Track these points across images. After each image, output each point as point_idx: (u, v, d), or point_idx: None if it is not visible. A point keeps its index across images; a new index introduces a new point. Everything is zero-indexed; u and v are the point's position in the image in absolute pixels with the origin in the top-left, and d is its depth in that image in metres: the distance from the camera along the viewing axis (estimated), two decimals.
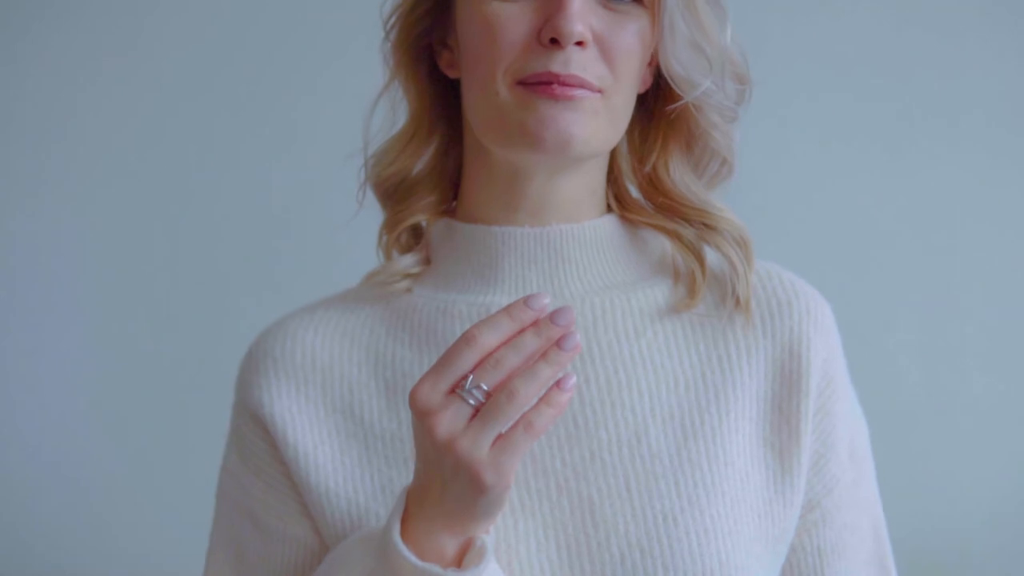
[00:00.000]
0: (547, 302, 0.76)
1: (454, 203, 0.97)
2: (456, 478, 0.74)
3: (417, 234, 0.99)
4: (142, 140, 1.61)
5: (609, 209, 0.96)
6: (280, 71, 1.58)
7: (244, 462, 0.93)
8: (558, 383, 0.74)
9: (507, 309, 0.75)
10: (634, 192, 0.97)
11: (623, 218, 0.96)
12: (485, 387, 0.73)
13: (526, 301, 0.75)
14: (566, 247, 0.91)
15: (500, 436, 0.73)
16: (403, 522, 0.78)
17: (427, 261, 0.97)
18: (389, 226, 0.97)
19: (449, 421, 0.73)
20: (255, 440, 0.92)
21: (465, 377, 0.74)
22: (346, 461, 0.89)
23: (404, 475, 0.87)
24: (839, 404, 0.93)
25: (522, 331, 0.75)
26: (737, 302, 0.91)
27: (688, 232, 0.93)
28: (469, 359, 0.74)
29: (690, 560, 0.83)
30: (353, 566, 0.81)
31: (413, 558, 0.75)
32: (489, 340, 0.74)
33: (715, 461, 0.87)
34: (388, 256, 0.98)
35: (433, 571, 0.75)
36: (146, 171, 1.61)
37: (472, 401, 0.73)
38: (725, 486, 0.86)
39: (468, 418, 0.73)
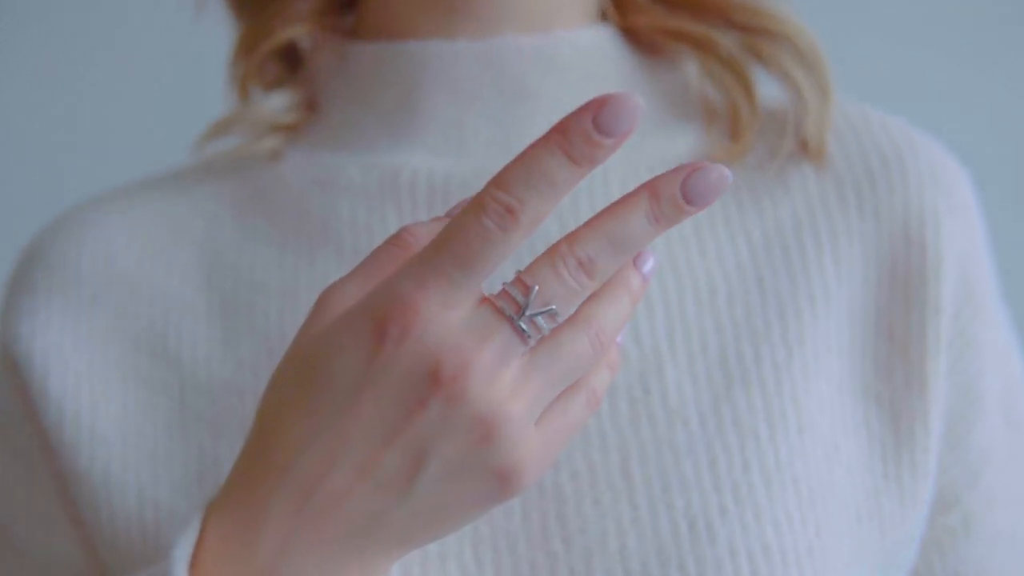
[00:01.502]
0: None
1: (349, 17, 0.60)
2: (467, 467, 0.40)
3: (292, 62, 0.62)
4: None
5: (604, 18, 0.59)
6: None
7: None
8: None
9: (564, 131, 0.39)
10: None
11: (624, 31, 0.58)
12: (557, 310, 0.40)
13: (599, 114, 0.38)
14: (529, 72, 0.55)
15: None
16: (200, 560, 0.41)
17: (310, 106, 0.60)
18: (245, 47, 0.60)
19: (493, 369, 0.39)
20: (5, 398, 0.55)
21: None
22: (146, 430, 0.53)
23: None
24: (987, 331, 0.56)
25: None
26: (805, 146, 0.54)
27: (727, 40, 0.56)
28: (501, 248, 0.39)
29: None
30: None
31: None
32: (541, 209, 0.39)
33: (780, 424, 0.50)
34: (244, 95, 0.61)
35: None
36: None
37: (530, 332, 0.40)
38: (798, 468, 0.50)
39: (515, 363, 0.40)
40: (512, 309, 0.39)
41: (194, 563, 0.41)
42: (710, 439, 0.49)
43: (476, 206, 0.39)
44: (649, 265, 0.43)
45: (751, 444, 0.49)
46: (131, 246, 0.57)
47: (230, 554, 0.41)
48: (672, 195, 0.40)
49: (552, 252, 0.40)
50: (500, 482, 0.40)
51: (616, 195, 0.53)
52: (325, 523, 0.40)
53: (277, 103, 0.59)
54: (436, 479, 0.40)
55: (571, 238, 0.40)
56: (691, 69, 0.59)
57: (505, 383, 0.39)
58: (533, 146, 0.39)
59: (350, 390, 0.39)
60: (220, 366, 0.53)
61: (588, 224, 0.40)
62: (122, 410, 0.53)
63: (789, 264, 0.53)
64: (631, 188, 0.53)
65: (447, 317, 0.39)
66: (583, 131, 0.38)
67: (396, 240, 0.42)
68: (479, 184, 0.53)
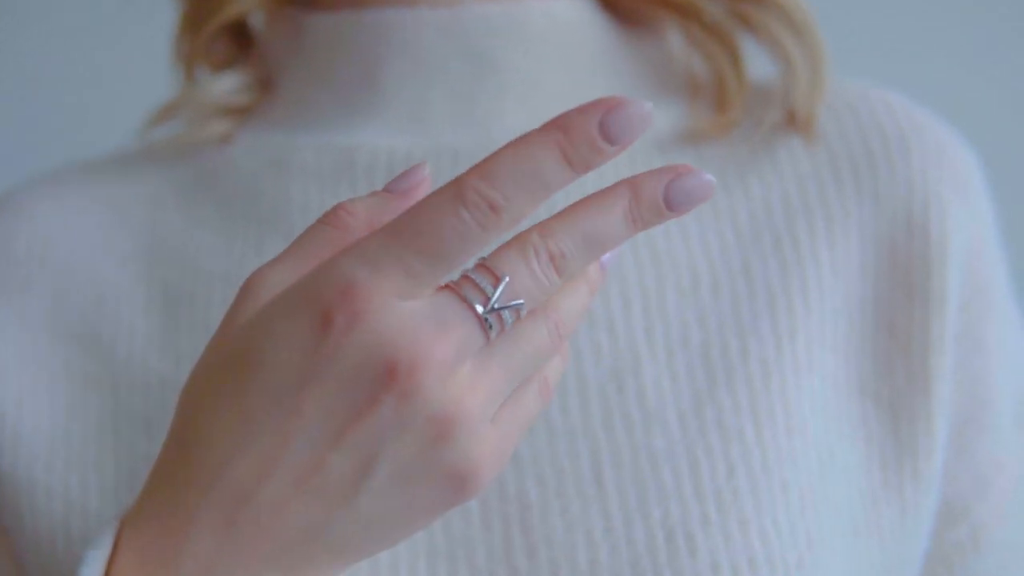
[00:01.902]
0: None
1: None
2: (419, 470, 0.36)
3: (242, 40, 0.57)
4: None
5: None
6: None
7: None
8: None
9: (565, 129, 0.35)
10: None
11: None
12: (524, 304, 0.36)
13: (607, 118, 0.35)
14: (497, 43, 0.51)
15: None
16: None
17: (264, 86, 0.56)
18: (191, 24, 0.56)
19: (451, 363, 0.35)
20: None
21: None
22: (75, 430, 0.48)
23: None
24: (997, 326, 0.52)
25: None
26: (793, 118, 0.51)
27: (713, 6, 0.52)
28: (474, 246, 0.35)
29: None
30: None
31: None
32: (525, 209, 0.35)
33: (768, 425, 0.46)
34: (190, 77, 0.57)
35: None
36: None
37: (494, 326, 0.36)
38: (788, 473, 0.45)
39: (471, 356, 0.36)
40: (479, 300, 0.35)
41: None
42: (691, 442, 0.45)
43: (454, 194, 0.34)
44: (608, 254, 0.39)
45: (736, 447, 0.45)
46: (68, 232, 0.53)
47: (146, 575, 0.36)
48: (654, 197, 0.36)
49: (523, 242, 0.36)
50: (455, 484, 0.36)
51: (595, 182, 0.49)
52: (259, 537, 0.35)
53: (226, 84, 0.55)
54: (385, 484, 0.35)
55: (543, 229, 0.36)
56: (674, 39, 0.55)
57: (461, 378, 0.35)
58: (527, 139, 0.35)
59: (290, 386, 0.35)
60: (158, 361, 0.49)
61: (562, 216, 0.36)
62: (50, 408, 0.49)
63: (779, 250, 0.49)
64: (612, 171, 0.49)
65: (401, 306, 0.34)
66: (587, 135, 0.34)
67: (331, 219, 0.38)
68: (442, 164, 0.49)
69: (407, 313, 0.34)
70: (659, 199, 0.36)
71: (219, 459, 0.35)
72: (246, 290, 0.37)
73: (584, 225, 0.36)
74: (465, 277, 0.35)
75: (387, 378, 0.34)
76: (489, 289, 0.35)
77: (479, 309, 0.35)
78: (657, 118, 0.51)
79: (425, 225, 0.34)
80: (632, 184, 0.36)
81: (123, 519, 0.38)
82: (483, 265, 0.35)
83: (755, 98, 0.52)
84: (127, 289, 0.51)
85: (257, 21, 0.57)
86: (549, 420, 0.45)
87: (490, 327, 0.35)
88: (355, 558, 0.37)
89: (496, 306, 0.35)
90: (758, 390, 0.46)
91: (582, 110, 0.34)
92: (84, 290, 0.51)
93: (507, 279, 0.35)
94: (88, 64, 0.93)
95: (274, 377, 0.35)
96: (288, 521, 0.35)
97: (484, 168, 0.34)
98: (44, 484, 0.47)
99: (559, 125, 0.35)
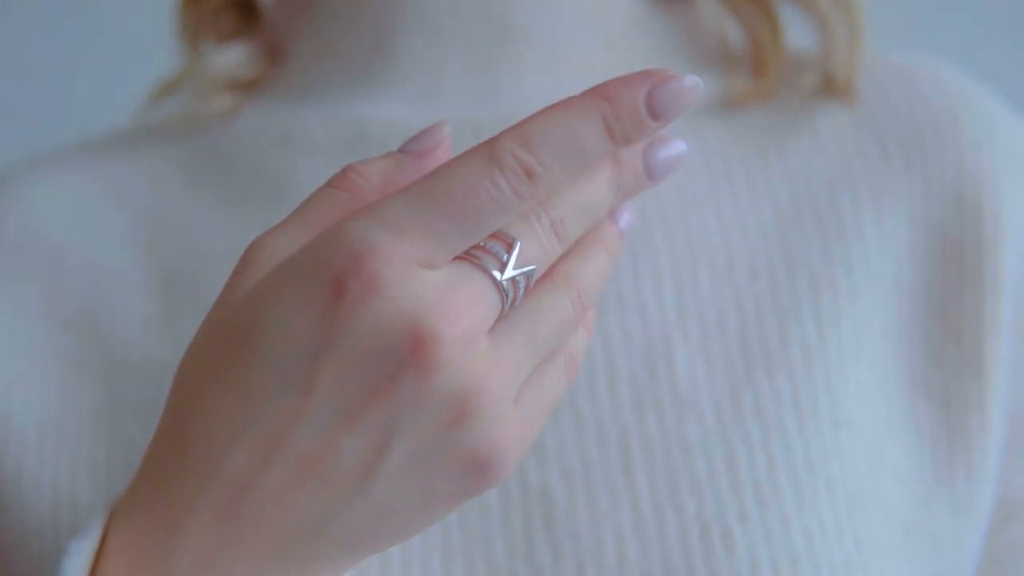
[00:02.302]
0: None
1: None
2: (436, 454, 0.33)
3: (248, 10, 0.55)
4: None
5: None
6: None
7: None
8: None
9: (611, 99, 0.33)
10: None
11: None
12: (535, 271, 0.34)
13: (655, 92, 0.34)
14: (518, 10, 0.48)
15: None
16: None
17: (271, 57, 0.53)
18: None
19: (472, 335, 0.32)
20: None
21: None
22: (68, 419, 0.46)
23: None
24: None
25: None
26: (831, 83, 0.48)
27: None
28: (506, 214, 0.33)
29: None
30: None
31: None
32: (561, 180, 0.33)
33: (811, 416, 0.43)
34: (194, 51, 0.54)
35: None
36: None
37: (510, 293, 0.33)
38: (834, 468, 0.42)
39: (489, 329, 0.33)
40: (496, 266, 0.32)
41: None
42: (727, 432, 0.42)
43: (488, 157, 0.32)
44: (625, 219, 0.37)
45: (776, 439, 0.42)
46: (63, 213, 0.50)
47: (137, 570, 0.33)
48: (635, 166, 0.35)
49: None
50: (475, 469, 0.33)
51: None
52: (260, 530, 0.32)
53: (232, 56, 0.52)
54: (399, 470, 0.32)
55: None
56: (706, 7, 0.52)
57: (482, 352, 0.32)
58: (566, 105, 0.32)
59: (297, 362, 0.31)
60: (157, 346, 0.46)
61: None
62: (41, 396, 0.46)
63: (821, 229, 0.46)
64: None
65: (423, 274, 0.31)
66: (633, 107, 0.33)
67: (340, 181, 0.35)
68: (463, 137, 0.46)
69: (428, 281, 0.31)
70: (639, 168, 0.35)
71: (217, 445, 0.32)
72: (246, 259, 0.34)
73: (575, 192, 0.34)
74: (478, 246, 0.32)
75: (410, 352, 0.31)
76: (504, 255, 0.32)
77: (497, 276, 0.32)
78: None
79: (459, 189, 0.31)
80: (614, 154, 0.34)
81: (113, 509, 0.34)
82: (493, 233, 0.33)
83: (792, 67, 0.49)
84: (124, 274, 0.48)
85: None
86: (576, 407, 0.42)
87: (506, 295, 0.32)
88: (365, 552, 0.34)
89: (513, 273, 0.33)
90: (800, 379, 0.43)
91: (629, 80, 0.32)
92: (80, 273, 0.48)
93: (520, 244, 0.32)
94: (85, 47, 0.92)
95: (279, 352, 0.31)
96: (294, 512, 0.32)
97: (520, 131, 0.32)
98: (32, 475, 0.44)
99: (604, 94, 0.32)
